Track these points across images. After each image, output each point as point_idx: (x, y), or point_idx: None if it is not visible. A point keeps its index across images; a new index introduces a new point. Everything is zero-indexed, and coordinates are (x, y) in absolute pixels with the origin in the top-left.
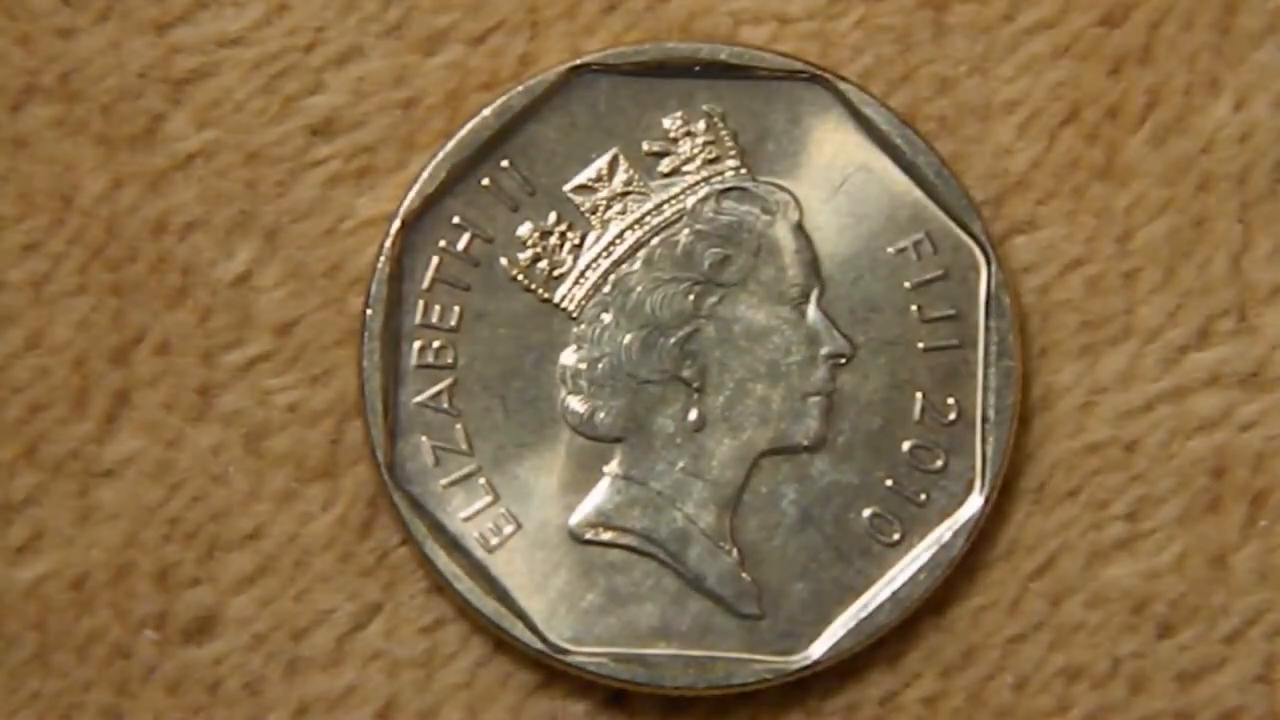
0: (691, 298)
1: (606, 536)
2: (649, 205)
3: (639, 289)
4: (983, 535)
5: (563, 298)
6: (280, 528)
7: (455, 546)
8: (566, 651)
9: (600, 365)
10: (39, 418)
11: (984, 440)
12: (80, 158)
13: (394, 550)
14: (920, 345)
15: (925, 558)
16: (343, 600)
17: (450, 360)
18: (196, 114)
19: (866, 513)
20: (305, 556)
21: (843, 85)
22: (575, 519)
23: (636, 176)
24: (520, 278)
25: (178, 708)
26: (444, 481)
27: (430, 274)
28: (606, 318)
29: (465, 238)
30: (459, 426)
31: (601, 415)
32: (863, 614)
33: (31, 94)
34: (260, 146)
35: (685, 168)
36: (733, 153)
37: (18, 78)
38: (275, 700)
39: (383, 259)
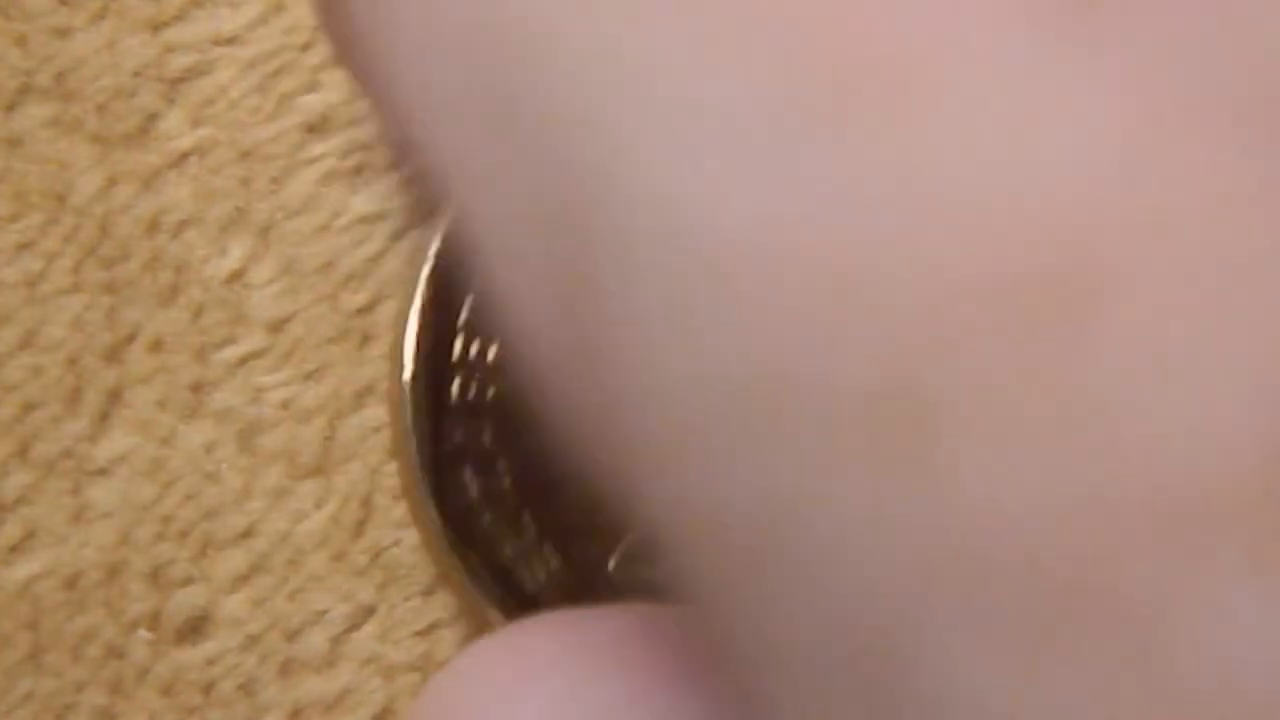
0: None
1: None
2: None
3: None
4: None
5: None
6: (273, 525)
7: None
8: None
9: None
10: (32, 416)
11: None
12: (75, 156)
13: (387, 550)
14: None
15: None
16: (336, 601)
17: (490, 395)
18: (191, 112)
19: None
20: (298, 555)
21: None
22: (613, 561)
23: None
24: None
25: (172, 708)
26: (488, 519)
27: (465, 311)
28: None
29: None
30: (501, 462)
31: None
32: None
33: (27, 93)
34: (254, 144)
35: None
36: None
37: (13, 77)
38: (270, 702)
39: (418, 297)
